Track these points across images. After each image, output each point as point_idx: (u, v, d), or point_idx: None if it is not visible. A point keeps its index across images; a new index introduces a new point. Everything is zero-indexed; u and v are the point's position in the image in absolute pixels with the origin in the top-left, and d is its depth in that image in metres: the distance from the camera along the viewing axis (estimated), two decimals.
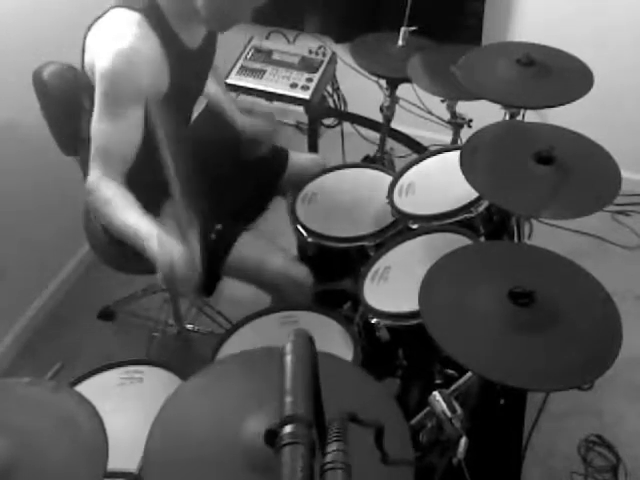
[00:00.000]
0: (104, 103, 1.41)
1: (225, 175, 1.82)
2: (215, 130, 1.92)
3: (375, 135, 2.51)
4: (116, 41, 1.36)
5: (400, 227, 1.69)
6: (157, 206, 1.58)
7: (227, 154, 1.87)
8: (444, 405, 1.14)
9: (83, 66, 1.48)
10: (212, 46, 1.67)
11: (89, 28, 1.45)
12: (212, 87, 1.84)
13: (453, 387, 1.30)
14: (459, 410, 1.13)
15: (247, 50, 2.28)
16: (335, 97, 2.82)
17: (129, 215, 1.41)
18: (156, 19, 1.41)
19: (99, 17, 1.43)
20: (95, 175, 1.43)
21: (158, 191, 1.56)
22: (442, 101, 2.07)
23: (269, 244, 1.72)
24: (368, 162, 2.35)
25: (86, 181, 1.45)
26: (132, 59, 1.36)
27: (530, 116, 1.90)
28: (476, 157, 1.50)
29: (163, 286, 1.37)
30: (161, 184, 1.57)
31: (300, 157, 1.99)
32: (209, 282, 1.70)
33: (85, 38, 1.46)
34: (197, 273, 1.36)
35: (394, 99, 2.21)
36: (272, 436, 0.68)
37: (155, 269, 1.37)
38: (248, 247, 1.67)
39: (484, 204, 1.58)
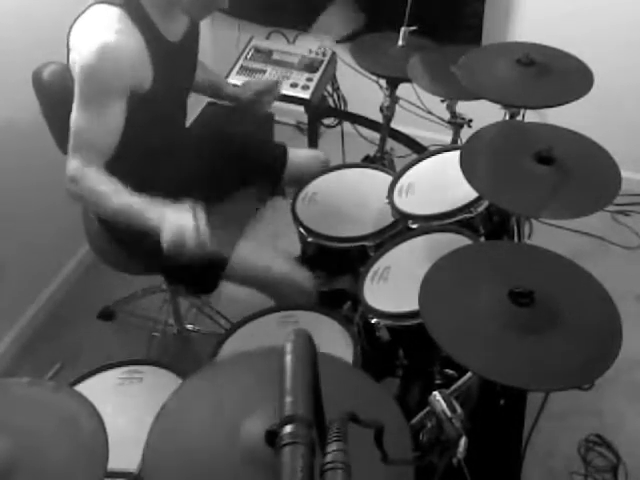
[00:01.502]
0: (85, 97, 1.42)
1: (224, 175, 1.82)
2: (213, 131, 1.92)
3: (375, 135, 2.50)
4: (97, 36, 1.37)
5: (400, 227, 1.69)
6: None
7: (225, 155, 1.87)
8: (444, 405, 1.13)
9: (68, 63, 1.48)
10: (195, 39, 1.68)
11: (71, 26, 1.46)
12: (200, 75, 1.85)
13: (453, 387, 1.30)
14: (459, 410, 1.13)
15: (247, 50, 2.29)
16: (335, 97, 2.82)
17: (125, 197, 1.43)
18: (136, 13, 1.42)
19: (80, 14, 1.44)
20: (74, 165, 1.44)
21: (153, 186, 1.57)
22: (442, 101, 2.07)
23: (272, 250, 1.73)
24: (368, 162, 2.35)
25: (66, 169, 1.46)
26: (113, 54, 1.37)
27: (530, 116, 1.89)
28: (476, 157, 1.50)
29: (170, 252, 1.37)
30: (156, 178, 1.58)
31: (300, 154, 1.99)
32: (210, 281, 1.70)
33: (68, 36, 1.46)
34: (206, 241, 1.37)
35: (394, 99, 2.21)
36: (272, 436, 0.68)
37: (159, 252, 1.37)
38: (252, 254, 1.67)
39: (484, 204, 1.58)
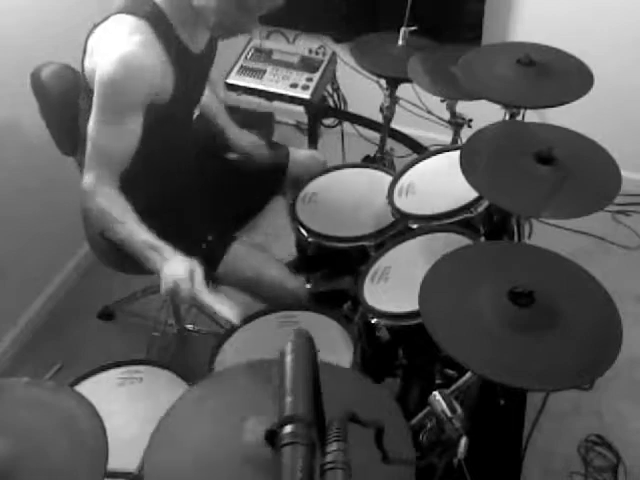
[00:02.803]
0: (104, 109, 1.40)
1: (222, 178, 1.82)
2: (213, 134, 1.91)
3: (375, 135, 2.50)
4: (119, 48, 1.35)
5: (400, 227, 1.69)
6: (158, 215, 1.54)
7: (225, 157, 1.86)
8: (444, 405, 1.13)
9: (83, 68, 1.47)
10: (214, 49, 1.67)
11: (91, 31, 1.44)
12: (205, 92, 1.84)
13: (453, 387, 1.30)
14: (459, 410, 1.13)
15: (247, 50, 2.28)
16: (335, 97, 2.81)
17: (130, 228, 1.42)
18: (160, 26, 1.40)
19: (102, 21, 1.42)
20: (90, 177, 1.43)
21: (161, 199, 1.57)
22: (442, 101, 2.07)
23: (265, 255, 1.72)
24: (368, 162, 2.35)
25: (82, 182, 1.45)
26: (135, 67, 1.35)
27: (530, 116, 1.89)
28: (476, 157, 1.50)
29: (166, 297, 1.39)
30: (160, 180, 1.58)
31: (298, 154, 1.99)
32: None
33: (86, 41, 1.45)
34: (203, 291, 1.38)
35: (394, 99, 2.21)
36: (272, 436, 0.68)
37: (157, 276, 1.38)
38: (245, 258, 1.66)
39: (484, 204, 1.58)
